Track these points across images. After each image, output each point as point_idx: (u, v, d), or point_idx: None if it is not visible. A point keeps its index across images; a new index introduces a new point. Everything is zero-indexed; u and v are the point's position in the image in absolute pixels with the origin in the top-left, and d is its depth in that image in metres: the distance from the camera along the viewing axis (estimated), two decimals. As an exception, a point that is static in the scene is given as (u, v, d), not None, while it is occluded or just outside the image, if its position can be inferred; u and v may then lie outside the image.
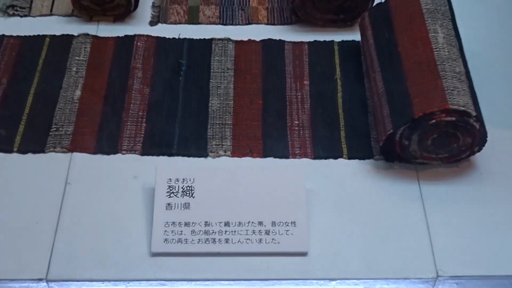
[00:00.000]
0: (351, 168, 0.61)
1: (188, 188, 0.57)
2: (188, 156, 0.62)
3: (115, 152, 0.62)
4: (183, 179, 0.58)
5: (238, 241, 0.55)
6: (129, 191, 0.59)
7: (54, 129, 0.63)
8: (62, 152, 0.62)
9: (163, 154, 0.62)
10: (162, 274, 0.54)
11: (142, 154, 0.62)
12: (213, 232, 0.55)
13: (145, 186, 0.59)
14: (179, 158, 0.62)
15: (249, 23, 0.71)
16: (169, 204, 0.57)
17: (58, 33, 0.69)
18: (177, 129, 0.63)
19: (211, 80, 0.67)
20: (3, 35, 0.69)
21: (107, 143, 0.63)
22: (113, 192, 0.59)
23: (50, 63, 0.67)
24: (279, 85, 0.67)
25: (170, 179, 0.57)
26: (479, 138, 0.57)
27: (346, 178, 0.60)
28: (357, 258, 0.54)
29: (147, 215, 0.57)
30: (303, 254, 0.54)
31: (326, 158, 0.62)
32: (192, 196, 0.57)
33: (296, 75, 0.68)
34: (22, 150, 0.62)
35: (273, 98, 0.66)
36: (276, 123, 0.64)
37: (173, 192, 0.57)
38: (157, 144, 0.63)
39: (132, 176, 0.60)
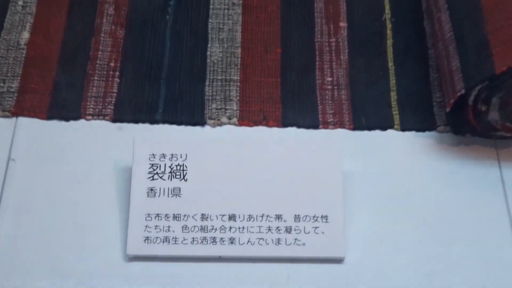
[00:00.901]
0: (405, 143, 0.60)
1: (178, 168, 0.56)
2: (178, 124, 0.61)
3: (76, 118, 0.61)
4: (172, 155, 0.56)
5: (248, 242, 0.54)
6: (96, 171, 0.58)
7: None
8: (4, 117, 0.60)
9: (144, 121, 0.61)
10: (141, 285, 0.53)
11: (114, 120, 0.61)
12: (212, 229, 0.54)
13: (118, 165, 0.58)
14: (166, 126, 0.61)
15: None
16: (152, 190, 0.55)
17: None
18: (163, 87, 0.62)
19: (210, 20, 0.66)
20: None
21: (65, 105, 0.61)
22: (74, 173, 0.58)
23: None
24: (305, 27, 0.65)
25: (153, 155, 0.56)
26: None
27: (398, 156, 0.59)
28: (412, 268, 0.54)
29: (121, 205, 0.56)
30: (338, 260, 0.54)
31: (370, 129, 0.61)
32: (183, 178, 0.55)
33: (329, 14, 0.66)
34: (-52, 113, 0.59)
35: (297, 46, 0.64)
36: (301, 81, 0.63)
37: (157, 174, 0.55)
38: (135, 107, 0.61)
39: (101, 150, 0.59)
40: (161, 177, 0.55)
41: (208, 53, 0.64)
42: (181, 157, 0.56)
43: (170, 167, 0.56)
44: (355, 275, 0.54)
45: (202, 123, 0.61)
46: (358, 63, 0.63)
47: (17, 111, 0.60)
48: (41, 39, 0.64)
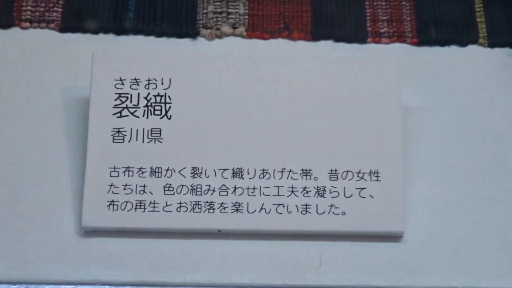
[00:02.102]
0: (493, 65, 0.61)
1: (158, 98, 0.56)
2: (158, 35, 0.61)
3: (7, 25, 0.61)
4: (149, 80, 0.56)
5: (261, 209, 0.54)
6: (36, 102, 0.58)
7: None
8: None
9: (107, 31, 0.61)
10: (101, 271, 0.53)
11: (63, 28, 0.61)
12: (208, 190, 0.54)
13: (69, 95, 0.58)
14: (139, 38, 0.61)
15: None
16: (119, 132, 0.55)
17: None
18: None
19: None
20: None
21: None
22: (5, 105, 0.58)
23: None
24: None
25: (120, 80, 0.56)
26: None
27: (483, 83, 0.60)
28: (494, 247, 0.54)
29: (73, 153, 0.57)
30: (394, 237, 0.54)
31: (443, 44, 0.61)
32: (166, 115, 0.56)
33: None
34: None
35: None
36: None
37: (127, 108, 0.56)
38: (93, 9, 0.61)
39: (43, 73, 0.59)
40: (132, 113, 0.56)
41: None
42: (162, 83, 0.56)
43: (146, 98, 0.56)
44: (418, 257, 0.54)
45: (193, 33, 0.61)
46: None
47: None
48: None
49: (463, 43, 0.61)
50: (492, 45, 0.61)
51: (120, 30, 0.61)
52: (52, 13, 0.61)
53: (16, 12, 0.61)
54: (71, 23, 0.61)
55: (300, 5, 0.62)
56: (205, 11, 0.61)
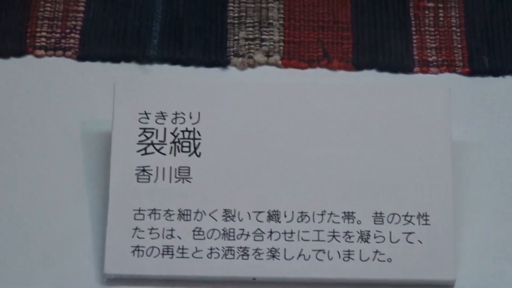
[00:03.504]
0: None
1: (186, 134, 0.58)
2: (184, 64, 0.63)
3: (20, 53, 0.63)
4: (176, 114, 0.58)
5: (299, 256, 0.56)
6: (53, 138, 0.60)
7: None
8: None
9: (129, 59, 0.63)
10: None
11: (81, 57, 0.63)
12: (242, 235, 0.56)
13: (88, 129, 0.60)
14: (164, 67, 0.63)
15: None
16: (144, 170, 0.57)
17: None
18: (159, 2, 0.64)
19: None
20: None
21: (7, 33, 0.63)
22: (18, 139, 0.60)
23: None
24: None
25: (145, 113, 0.58)
26: None
27: None
28: None
29: (93, 194, 0.58)
30: (447, 286, 0.56)
31: (497, 73, 0.63)
32: (195, 152, 0.57)
33: None
34: None
35: None
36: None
37: (153, 144, 0.57)
38: (113, 35, 0.63)
39: (60, 104, 0.61)
40: (158, 150, 0.57)
41: None
42: (190, 117, 0.58)
43: (173, 133, 0.58)
44: None
45: (223, 62, 0.63)
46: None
47: None
48: None
49: None
50: None
51: (143, 58, 0.62)
52: (68, 39, 0.62)
53: (30, 38, 0.62)
54: (90, 50, 0.62)
55: (340, 31, 0.63)
56: (236, 37, 0.63)
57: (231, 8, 0.63)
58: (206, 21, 0.63)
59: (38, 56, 0.62)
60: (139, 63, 0.62)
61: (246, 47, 0.63)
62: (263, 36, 0.63)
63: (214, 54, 0.62)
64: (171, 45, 0.63)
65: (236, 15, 0.63)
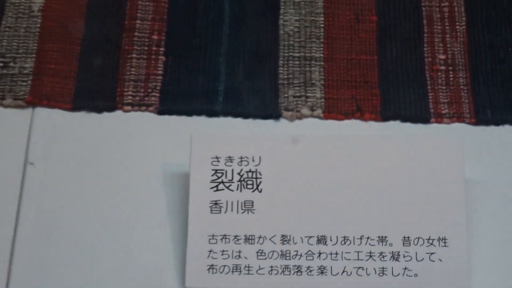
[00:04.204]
0: None
1: (250, 174, 0.58)
2: (245, 117, 0.63)
3: (111, 108, 0.63)
4: (241, 158, 0.58)
5: (343, 272, 0.56)
6: (139, 178, 0.60)
7: (0, 64, 0.64)
8: (17, 107, 0.63)
9: (200, 113, 0.63)
10: None
11: (161, 112, 0.63)
12: (296, 255, 0.56)
13: (168, 171, 0.60)
14: (229, 120, 0.63)
15: None
16: (216, 204, 0.57)
17: None
18: (223, 66, 0.64)
19: (280, -21, 0.67)
20: None
21: (96, 91, 0.63)
22: (110, 180, 0.60)
23: None
24: None
25: (216, 157, 0.58)
26: None
27: None
28: None
29: (175, 224, 0.59)
30: None
31: (498, 123, 0.63)
32: (257, 189, 0.57)
33: None
34: None
35: (398, 12, 0.67)
36: (405, 59, 0.65)
37: (223, 182, 0.58)
38: (187, 94, 0.64)
39: (144, 151, 0.61)
40: (227, 187, 0.57)
41: (281, 21, 0.66)
42: (253, 160, 0.58)
43: (239, 173, 0.58)
44: None
45: (276, 115, 0.63)
46: (480, 35, 0.65)
47: (33, 100, 0.63)
48: (60, 3, 0.66)
49: None
50: None
51: (211, 112, 0.62)
52: (150, 97, 0.63)
53: (119, 97, 0.63)
54: (168, 106, 0.62)
55: (370, 89, 0.63)
56: (286, 95, 0.63)
57: (281, 71, 0.63)
58: (261, 81, 0.63)
59: (125, 111, 0.63)
60: (208, 116, 0.62)
61: (294, 103, 0.63)
62: (308, 94, 0.63)
63: (268, 109, 0.62)
64: (233, 101, 0.63)
65: (285, 76, 0.63)
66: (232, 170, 0.58)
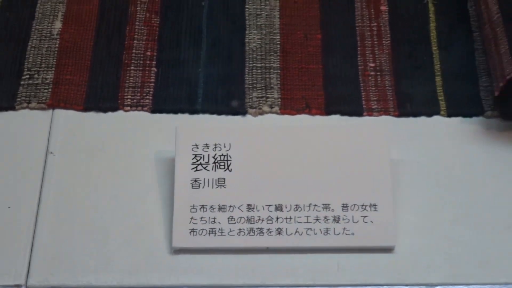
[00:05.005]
0: (452, 130, 0.62)
1: (222, 157, 0.58)
2: (219, 113, 0.63)
3: (114, 109, 0.63)
4: (215, 145, 0.58)
5: (296, 232, 0.56)
6: (136, 163, 0.60)
7: (27, 76, 0.64)
8: (40, 109, 0.63)
9: (184, 111, 0.63)
10: (188, 278, 0.55)
11: (153, 111, 0.63)
12: (259, 220, 0.56)
13: (159, 156, 0.60)
14: (206, 116, 0.63)
15: None
16: (196, 181, 0.57)
17: None
18: (202, 75, 0.65)
19: (246, 6, 0.68)
20: None
21: (102, 96, 0.64)
22: (115, 165, 0.60)
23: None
24: (345, 12, 0.68)
25: (196, 145, 0.58)
26: None
27: (445, 143, 0.61)
28: (463, 257, 0.56)
29: (164, 197, 0.58)
30: (388, 250, 0.56)
31: (416, 115, 0.63)
32: (228, 169, 0.58)
33: None
34: (-15, 107, 0.62)
35: (337, 31, 0.67)
36: (343, 67, 0.65)
37: (201, 164, 0.58)
38: (173, 97, 0.64)
39: (141, 142, 0.62)
40: (205, 168, 0.58)
41: (246, 40, 0.66)
42: (224, 147, 0.58)
43: (214, 157, 0.58)
44: (406, 264, 0.55)
45: (243, 112, 0.63)
46: (401, 48, 0.66)
47: (53, 103, 0.63)
48: (74, 28, 0.66)
49: (430, 115, 0.62)
50: (450, 115, 0.62)
51: (192, 111, 0.63)
52: (145, 100, 0.63)
53: (120, 100, 0.63)
54: (159, 106, 0.63)
55: (316, 91, 0.64)
56: (250, 96, 0.63)
57: (247, 78, 0.64)
58: (231, 86, 0.63)
59: (126, 111, 0.63)
60: (190, 113, 0.63)
61: (257, 102, 0.63)
62: (268, 95, 0.64)
63: (237, 107, 0.63)
64: (210, 102, 0.63)
65: (250, 82, 0.64)
66: (208, 154, 0.58)
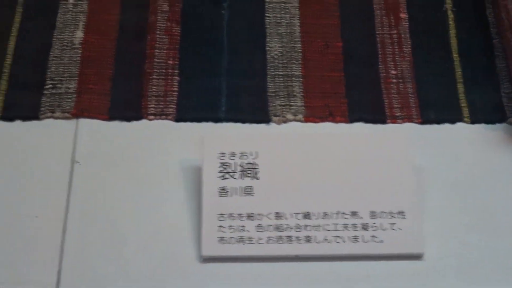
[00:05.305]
0: (475, 136, 0.62)
1: (249, 166, 0.58)
2: (243, 122, 0.63)
3: (138, 118, 0.63)
4: (241, 153, 0.58)
5: (324, 240, 0.56)
6: (162, 171, 0.60)
7: (50, 85, 0.64)
8: (64, 118, 0.63)
9: (208, 120, 0.63)
10: (217, 286, 0.55)
11: (177, 120, 0.63)
12: (287, 228, 0.56)
13: (185, 165, 0.60)
14: (230, 125, 0.63)
15: None
16: (223, 189, 0.57)
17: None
18: (224, 83, 0.64)
19: (266, 15, 0.68)
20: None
21: (126, 105, 0.63)
22: (141, 173, 0.60)
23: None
24: (365, 20, 0.68)
25: (223, 153, 0.58)
26: None
27: (469, 150, 0.61)
28: (492, 262, 0.56)
29: (191, 205, 0.58)
30: (417, 256, 0.56)
31: (439, 122, 0.63)
32: (255, 177, 0.58)
33: (388, 5, 0.69)
34: (8, 116, 0.62)
35: (358, 39, 0.67)
36: (365, 74, 0.66)
37: (228, 172, 0.58)
38: (197, 105, 0.64)
39: (165, 150, 0.61)
40: (232, 176, 0.58)
41: (267, 48, 0.66)
42: (251, 155, 0.58)
43: (241, 165, 0.58)
44: (435, 271, 0.55)
45: (267, 120, 0.63)
46: (422, 55, 0.66)
47: (77, 112, 0.63)
48: (95, 37, 0.66)
49: (453, 121, 0.63)
50: (473, 122, 0.62)
51: (216, 119, 0.62)
52: (169, 109, 0.63)
53: (144, 108, 0.63)
54: (183, 115, 0.62)
55: (338, 98, 0.64)
56: (273, 104, 0.63)
57: (269, 86, 0.64)
58: (254, 95, 0.63)
59: (150, 120, 0.63)
60: (214, 122, 0.63)
61: (281, 110, 0.63)
62: (291, 104, 0.64)
63: (261, 115, 0.63)
64: (234, 111, 0.63)
65: (272, 90, 0.63)
66: (235, 163, 0.58)
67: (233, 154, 0.58)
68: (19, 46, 0.65)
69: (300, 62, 0.65)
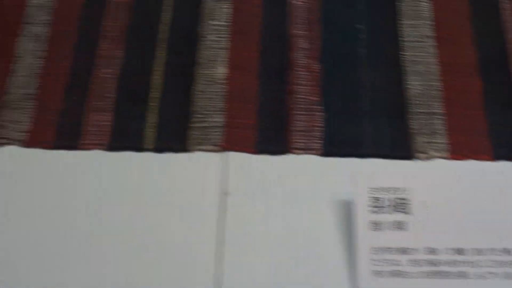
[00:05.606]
0: None
1: (400, 201, 0.58)
2: (387, 158, 0.63)
3: (284, 151, 0.64)
4: (392, 189, 0.58)
5: (479, 276, 0.56)
6: (310, 205, 0.61)
7: (197, 119, 0.64)
8: (213, 151, 0.64)
9: (351, 155, 0.64)
10: None
11: (323, 154, 0.64)
12: (440, 263, 0.56)
13: (335, 198, 0.60)
14: (373, 160, 0.63)
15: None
16: (375, 223, 0.58)
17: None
18: (367, 122, 0.65)
19: (403, 53, 0.68)
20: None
21: (272, 139, 0.65)
22: (288, 206, 0.61)
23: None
24: (504, 56, 0.68)
25: (374, 188, 0.58)
26: None
27: None
28: None
29: (340, 239, 0.59)
30: None
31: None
32: (407, 212, 0.58)
33: None
34: (159, 148, 0.63)
35: (498, 75, 0.67)
36: (508, 112, 0.65)
37: (379, 207, 0.58)
38: (340, 140, 0.65)
39: (312, 183, 0.62)
40: (383, 211, 0.58)
41: (407, 85, 0.66)
42: (401, 190, 0.59)
43: (392, 200, 0.58)
44: None
45: (410, 156, 0.63)
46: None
47: (226, 146, 0.64)
48: (239, 73, 0.67)
49: None
50: None
51: (359, 155, 0.63)
52: (314, 144, 0.64)
53: (289, 143, 0.64)
54: (328, 150, 0.63)
55: (479, 136, 0.64)
56: (416, 141, 0.64)
57: (412, 123, 0.64)
58: (397, 131, 0.65)
59: (297, 154, 0.64)
60: (357, 157, 0.64)
61: (424, 146, 0.64)
62: (434, 141, 0.65)
63: (405, 151, 0.64)
64: (377, 146, 0.64)
65: (415, 127, 0.64)
66: (386, 198, 0.58)
67: (384, 190, 0.58)
68: (168, 81, 0.66)
69: (440, 100, 0.66)
